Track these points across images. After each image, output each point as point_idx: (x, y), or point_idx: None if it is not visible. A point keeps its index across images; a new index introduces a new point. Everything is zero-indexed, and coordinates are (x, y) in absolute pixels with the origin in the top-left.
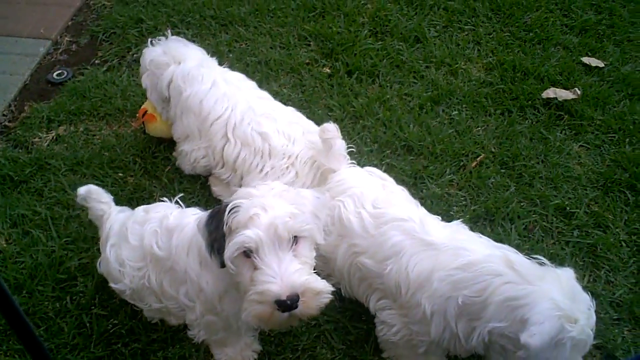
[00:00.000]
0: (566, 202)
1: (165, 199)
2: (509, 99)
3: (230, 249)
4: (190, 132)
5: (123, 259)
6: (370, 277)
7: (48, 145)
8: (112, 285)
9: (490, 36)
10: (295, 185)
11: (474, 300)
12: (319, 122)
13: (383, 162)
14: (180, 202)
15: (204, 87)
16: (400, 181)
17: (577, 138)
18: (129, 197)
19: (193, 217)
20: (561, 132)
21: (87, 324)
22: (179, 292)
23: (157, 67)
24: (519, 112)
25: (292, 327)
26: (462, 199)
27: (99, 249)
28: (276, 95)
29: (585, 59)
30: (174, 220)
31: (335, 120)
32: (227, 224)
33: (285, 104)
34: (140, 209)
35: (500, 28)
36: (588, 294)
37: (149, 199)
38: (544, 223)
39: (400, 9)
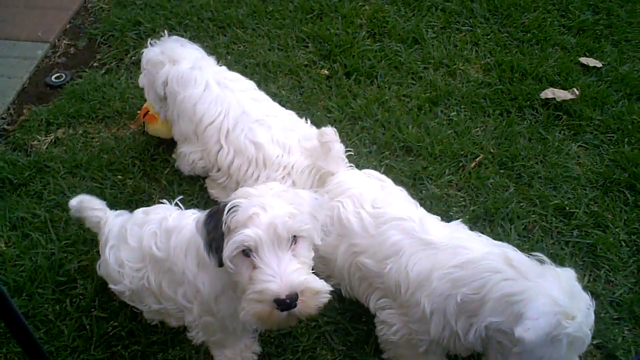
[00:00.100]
0: (565, 202)
1: (164, 200)
2: (508, 100)
3: (230, 248)
4: (187, 135)
5: (122, 260)
6: (370, 276)
7: (47, 148)
8: (111, 286)
9: (488, 37)
10: None
11: (473, 298)
12: (317, 124)
13: (382, 163)
14: (180, 204)
15: (197, 91)
16: (399, 182)
17: (576, 138)
18: (128, 200)
19: (192, 218)
20: (560, 132)
21: (87, 327)
22: (177, 294)
23: (153, 66)
24: (517, 112)
25: (291, 328)
26: (462, 199)
27: (98, 252)
28: (275, 97)
29: (583, 59)
30: (173, 222)
31: (334, 122)
32: (225, 223)
33: (283, 105)
34: (140, 210)
35: (498, 29)
36: (588, 293)
37: (148, 201)
38: (543, 223)
39: (397, 11)
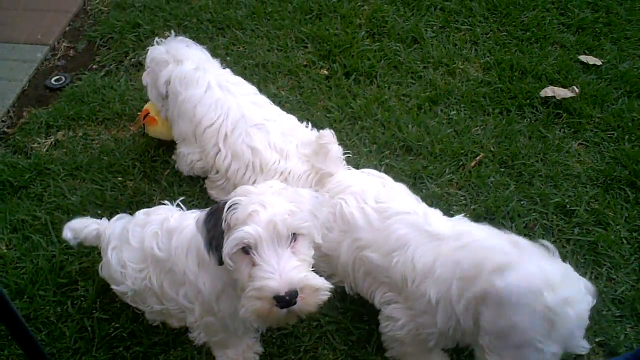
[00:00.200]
0: (566, 200)
1: (166, 201)
2: (507, 98)
3: (229, 245)
4: (186, 135)
5: (124, 260)
6: (375, 271)
7: (47, 150)
8: (114, 287)
9: (488, 36)
10: None
11: (470, 274)
12: (317, 124)
13: (382, 163)
14: (182, 205)
15: (198, 92)
16: (399, 181)
17: (576, 136)
18: (129, 201)
19: (193, 219)
20: (560, 131)
21: (89, 328)
22: (178, 294)
23: (157, 64)
24: (517, 111)
25: (292, 328)
26: (462, 198)
27: (99, 253)
28: (274, 97)
29: (583, 57)
30: (174, 222)
31: (334, 122)
32: (225, 221)
33: (283, 106)
34: (141, 212)
35: (497, 27)
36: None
37: (149, 203)
38: (544, 221)
39: (397, 10)
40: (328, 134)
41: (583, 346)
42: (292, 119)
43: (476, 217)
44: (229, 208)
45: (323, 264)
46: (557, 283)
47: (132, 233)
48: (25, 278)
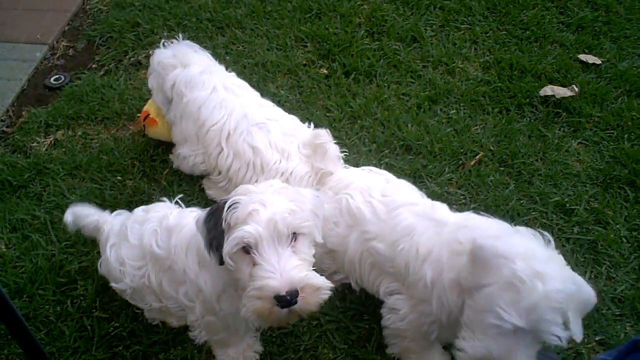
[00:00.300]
0: (566, 199)
1: (165, 198)
2: (507, 97)
3: (230, 244)
4: (189, 136)
5: (123, 258)
6: (381, 262)
7: (46, 149)
8: (112, 284)
9: (487, 35)
10: None
11: (462, 248)
12: (317, 123)
13: (382, 162)
14: (180, 202)
15: (204, 94)
16: None
17: (576, 135)
18: (128, 201)
19: (192, 217)
20: (559, 130)
21: (88, 327)
22: (178, 292)
23: (164, 68)
24: (516, 110)
25: (292, 327)
26: (462, 197)
27: (98, 252)
28: (274, 96)
29: (582, 56)
30: (173, 220)
31: (333, 121)
32: (225, 220)
33: (283, 105)
34: (140, 209)
35: (496, 26)
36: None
37: (148, 202)
38: (544, 220)
39: (396, 9)
40: (323, 133)
41: (557, 335)
42: (293, 119)
43: None
44: (229, 207)
45: (328, 260)
46: (535, 258)
47: (131, 230)
48: (25, 277)
